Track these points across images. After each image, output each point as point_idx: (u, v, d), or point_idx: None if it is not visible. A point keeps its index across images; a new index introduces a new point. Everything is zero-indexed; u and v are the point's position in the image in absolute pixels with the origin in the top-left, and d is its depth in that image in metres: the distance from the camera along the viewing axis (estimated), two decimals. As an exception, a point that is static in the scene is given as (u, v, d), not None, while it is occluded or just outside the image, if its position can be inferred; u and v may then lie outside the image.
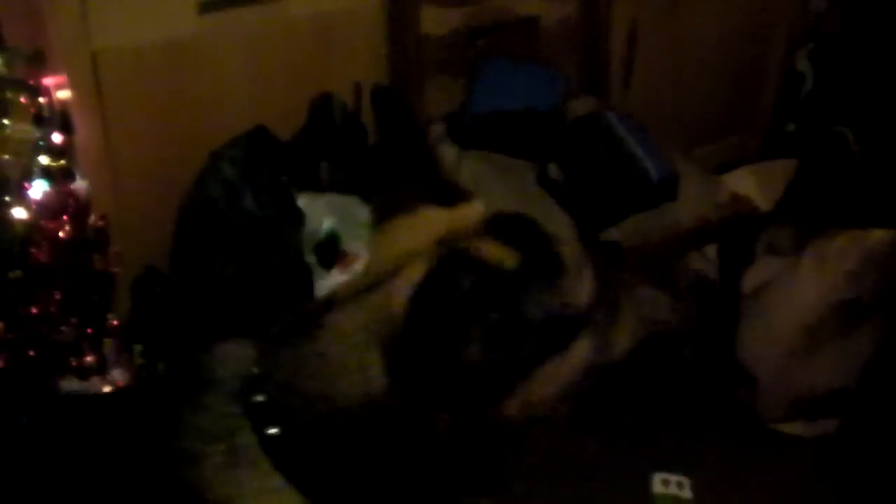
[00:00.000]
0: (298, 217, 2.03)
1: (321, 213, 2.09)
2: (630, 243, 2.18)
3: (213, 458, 1.12)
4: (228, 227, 2.05)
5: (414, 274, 1.07)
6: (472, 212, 1.17)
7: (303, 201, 2.07)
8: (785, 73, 3.14)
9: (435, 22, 2.44)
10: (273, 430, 1.11)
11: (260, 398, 1.13)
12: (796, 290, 2.42)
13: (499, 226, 1.13)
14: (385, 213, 1.19)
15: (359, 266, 1.36)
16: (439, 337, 1.03)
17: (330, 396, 1.09)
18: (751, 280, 2.43)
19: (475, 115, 2.35)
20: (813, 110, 3.07)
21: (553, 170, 2.21)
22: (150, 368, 2.35)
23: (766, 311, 2.44)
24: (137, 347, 2.36)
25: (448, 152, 2.36)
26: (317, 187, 2.21)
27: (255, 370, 1.15)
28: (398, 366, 1.06)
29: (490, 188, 2.18)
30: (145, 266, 2.35)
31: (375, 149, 1.27)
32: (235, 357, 1.19)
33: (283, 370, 1.13)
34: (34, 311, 2.09)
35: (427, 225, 1.14)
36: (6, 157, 2.08)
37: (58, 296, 2.11)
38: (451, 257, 1.07)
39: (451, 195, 1.19)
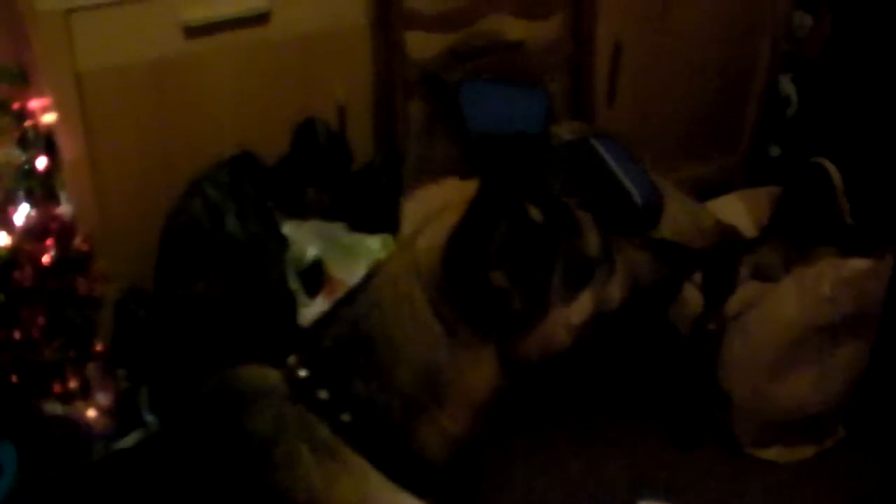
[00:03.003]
0: (282, 241, 2.03)
1: (306, 239, 2.09)
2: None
3: (303, 457, 1.15)
4: (211, 250, 2.04)
5: (450, 218, 1.15)
6: None
7: (287, 228, 2.07)
8: (769, 96, 3.15)
9: (420, 46, 2.43)
10: (346, 417, 1.16)
11: (323, 394, 1.17)
12: (776, 312, 2.43)
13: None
14: (416, 177, 1.36)
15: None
16: (474, 249, 1.12)
17: (392, 345, 1.17)
18: (733, 303, 2.44)
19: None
20: (797, 134, 3.09)
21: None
22: (133, 392, 2.35)
23: (745, 332, 2.45)
24: (121, 372, 2.36)
25: (433, 175, 2.37)
26: (302, 212, 2.21)
27: (303, 373, 1.19)
28: (437, 301, 1.15)
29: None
30: (129, 288, 2.34)
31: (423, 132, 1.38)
32: (263, 375, 1.23)
33: (339, 334, 1.20)
34: (17, 335, 2.09)
35: (455, 189, 1.24)
36: (-8, 179, 2.08)
37: (41, 320, 2.10)
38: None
39: (477, 167, 1.29)
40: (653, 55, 2.88)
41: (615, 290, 1.30)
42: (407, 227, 1.28)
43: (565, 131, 2.55)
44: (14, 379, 2.12)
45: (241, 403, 1.21)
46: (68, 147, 2.19)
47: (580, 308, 1.24)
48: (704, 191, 2.91)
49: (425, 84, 1.41)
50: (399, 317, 1.18)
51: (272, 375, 1.22)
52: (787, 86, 3.12)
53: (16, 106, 2.09)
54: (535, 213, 1.19)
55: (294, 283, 1.99)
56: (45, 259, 2.12)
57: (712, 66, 3.03)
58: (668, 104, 3.00)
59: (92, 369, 2.26)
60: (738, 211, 2.76)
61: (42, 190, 2.14)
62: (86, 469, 1.40)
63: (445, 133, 1.34)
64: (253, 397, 1.20)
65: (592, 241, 1.27)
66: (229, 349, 1.37)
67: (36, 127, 2.14)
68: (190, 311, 2.06)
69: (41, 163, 2.12)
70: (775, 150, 3.19)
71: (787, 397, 2.46)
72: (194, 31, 2.22)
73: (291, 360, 1.22)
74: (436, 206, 1.24)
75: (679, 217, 2.27)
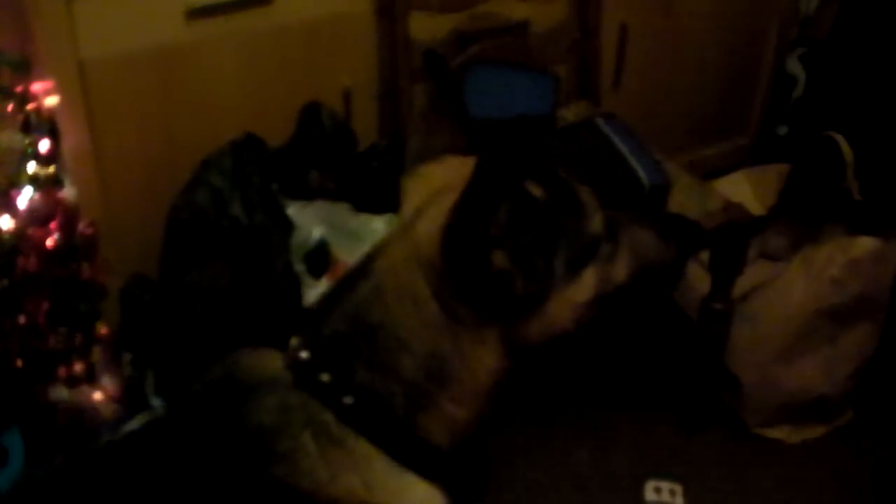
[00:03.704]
0: (287, 225, 2.02)
1: (311, 221, 2.08)
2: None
3: (307, 447, 1.14)
4: (216, 236, 2.03)
5: (450, 199, 1.12)
6: None
7: (292, 210, 2.06)
8: (776, 76, 3.13)
9: (425, 28, 2.42)
10: (348, 400, 1.15)
11: (325, 377, 1.16)
12: (783, 295, 2.43)
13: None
14: (418, 160, 1.30)
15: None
16: (473, 230, 1.10)
17: (395, 334, 1.16)
18: (741, 284, 2.43)
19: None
20: (804, 114, 3.06)
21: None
22: (139, 378, 2.35)
23: (753, 315, 2.44)
24: (127, 357, 2.36)
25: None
26: (307, 195, 2.20)
27: (304, 356, 1.18)
28: (439, 286, 1.15)
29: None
30: (135, 274, 2.34)
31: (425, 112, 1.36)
32: (264, 362, 1.22)
33: (341, 324, 1.18)
34: (21, 320, 2.09)
35: (456, 167, 1.21)
36: (-8, 163, 2.07)
37: (45, 306, 2.10)
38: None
39: (478, 146, 1.27)
40: (659, 37, 2.86)
41: (620, 269, 1.29)
42: (408, 206, 1.25)
43: (571, 114, 2.54)
44: (19, 365, 2.11)
45: (244, 393, 1.19)
46: (71, 134, 2.17)
47: (584, 287, 1.23)
48: (712, 172, 2.91)
49: (425, 62, 1.38)
50: (402, 305, 1.17)
51: (275, 361, 1.21)
52: (795, 65, 3.10)
53: (19, 90, 2.09)
54: (537, 192, 1.18)
55: (299, 266, 1.98)
56: (49, 244, 2.11)
57: (719, 48, 3.01)
58: (674, 87, 2.98)
59: (98, 355, 2.26)
60: (744, 189, 2.75)
61: (44, 174, 2.14)
62: (88, 457, 1.38)
63: (446, 112, 1.31)
64: (256, 386, 1.19)
65: (596, 218, 1.25)
66: (234, 337, 1.36)
67: (39, 111, 2.14)
68: (195, 298, 2.05)
69: (44, 146, 2.11)
70: (782, 130, 3.17)
71: (795, 380, 2.45)
72: (197, 14, 2.20)
73: (293, 342, 1.21)
74: (437, 185, 1.22)
75: (686, 199, 2.25)
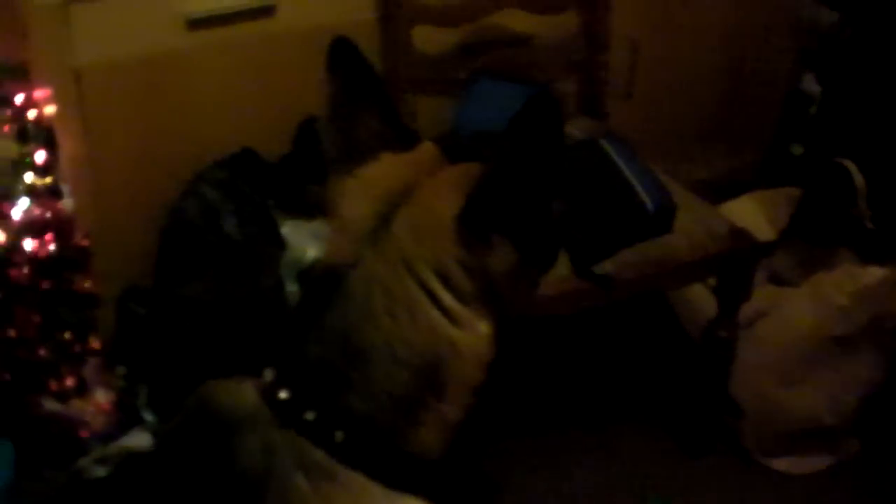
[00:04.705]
0: (279, 243, 1.98)
1: (306, 239, 2.04)
2: (623, 276, 2.11)
3: (301, 488, 1.11)
4: (207, 252, 2.00)
5: (430, 199, 1.12)
6: (430, 150, 1.23)
7: (287, 227, 2.02)
8: (791, 94, 3.07)
9: (429, 41, 2.38)
10: (339, 436, 1.11)
11: (310, 416, 1.12)
12: (789, 321, 2.38)
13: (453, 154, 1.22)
14: (343, 162, 1.22)
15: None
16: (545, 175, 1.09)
17: (391, 353, 1.11)
18: (747, 309, 2.38)
19: (464, 136, 2.29)
20: (820, 133, 3.00)
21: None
22: (131, 392, 2.32)
23: (757, 341, 2.39)
24: (120, 370, 2.33)
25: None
26: (305, 211, 2.16)
27: (283, 395, 1.13)
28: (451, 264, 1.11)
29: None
30: (130, 285, 2.31)
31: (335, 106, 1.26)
32: (242, 395, 1.17)
33: (327, 354, 1.13)
34: (12, 333, 2.06)
35: (400, 164, 1.19)
36: (-15, 175, 2.04)
37: (36, 318, 2.07)
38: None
39: (407, 138, 1.24)
40: (669, 51, 2.81)
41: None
42: (354, 210, 1.17)
43: (577, 129, 2.48)
44: (8, 377, 2.08)
45: (224, 433, 1.15)
46: (67, 142, 2.15)
47: None
48: (723, 189, 2.86)
49: (333, 51, 1.30)
50: (394, 318, 1.12)
51: (249, 394, 1.16)
52: (811, 83, 3.03)
53: (14, 99, 2.06)
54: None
55: (292, 285, 1.94)
56: (43, 255, 2.08)
57: (731, 63, 2.96)
58: (685, 101, 2.94)
59: (91, 367, 2.23)
60: (754, 213, 2.70)
61: (41, 184, 2.11)
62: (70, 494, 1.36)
63: (367, 101, 1.24)
64: (236, 425, 1.14)
65: None
66: (222, 354, 1.32)
67: (36, 121, 2.11)
68: (185, 312, 2.01)
69: (40, 156, 2.08)
70: (797, 149, 3.10)
71: (800, 408, 2.40)
72: (197, 24, 2.17)
73: (268, 375, 1.17)
74: (390, 187, 1.16)
75: (691, 222, 2.20)
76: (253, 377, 1.18)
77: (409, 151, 1.22)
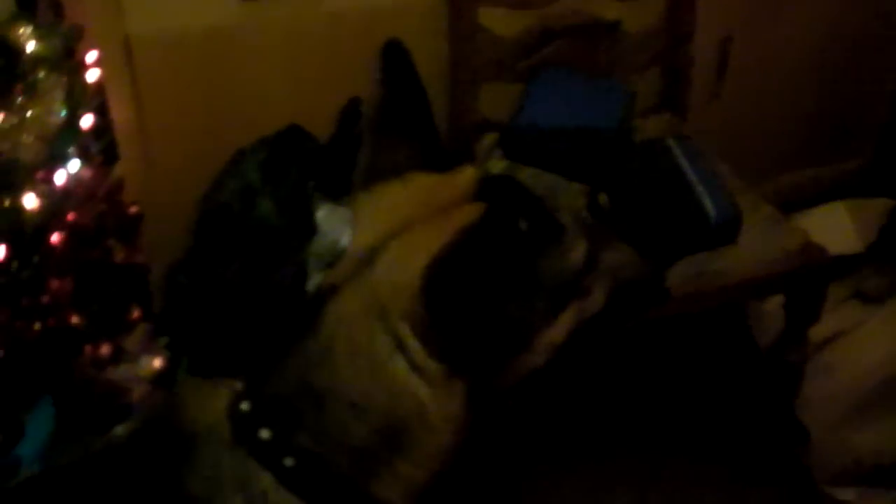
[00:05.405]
0: (310, 230, 1.90)
1: (341, 226, 1.95)
2: (681, 290, 1.96)
3: None
4: (241, 235, 1.94)
5: (418, 238, 1.03)
6: (464, 177, 1.13)
7: (322, 213, 1.94)
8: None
9: (501, 23, 2.26)
10: (289, 462, 1.03)
11: (265, 434, 1.04)
12: (865, 347, 2.22)
13: (490, 190, 1.11)
14: (371, 176, 1.15)
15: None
16: (474, 280, 1.00)
17: (347, 401, 1.03)
18: (823, 328, 2.21)
19: (527, 129, 2.18)
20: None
21: (603, 198, 2.02)
22: (173, 362, 2.30)
23: (830, 366, 2.24)
24: (162, 340, 2.31)
25: (495, 166, 2.21)
26: (348, 193, 2.08)
27: (245, 407, 1.06)
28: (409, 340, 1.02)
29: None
30: (181, 256, 2.28)
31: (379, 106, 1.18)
32: (212, 401, 1.10)
33: (283, 386, 1.05)
34: (45, 300, 2.05)
35: (419, 191, 1.11)
36: (28, 139, 2.02)
37: (69, 286, 2.05)
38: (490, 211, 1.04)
39: (444, 160, 1.15)
40: (765, 49, 2.63)
41: (597, 297, 1.15)
42: (360, 235, 1.11)
43: (652, 126, 2.34)
44: (45, 342, 2.08)
45: (182, 450, 1.08)
46: (117, 110, 2.12)
47: (561, 327, 1.10)
48: (817, 197, 2.67)
49: (383, 56, 1.21)
50: (355, 366, 1.03)
51: (218, 402, 1.09)
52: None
53: (66, 62, 2.04)
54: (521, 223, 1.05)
55: (318, 276, 1.86)
56: (87, 223, 2.06)
57: (834, 63, 2.76)
58: (778, 102, 2.76)
59: (138, 336, 2.22)
60: (843, 221, 2.53)
61: (84, 149, 2.09)
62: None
63: (403, 125, 1.16)
64: (193, 437, 1.08)
65: (578, 248, 1.11)
66: (249, 339, 1.26)
67: (85, 85, 2.09)
68: (220, 292, 1.97)
69: (87, 121, 2.06)
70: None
71: (869, 443, 2.22)
72: (251, -1, 2.10)
73: (238, 385, 1.09)
74: (397, 214, 1.08)
75: (760, 235, 2.04)
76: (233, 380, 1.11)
77: (442, 174, 1.13)
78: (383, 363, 1.02)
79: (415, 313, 1.01)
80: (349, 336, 1.03)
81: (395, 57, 1.21)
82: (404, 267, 1.02)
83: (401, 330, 1.02)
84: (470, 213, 1.06)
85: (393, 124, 1.18)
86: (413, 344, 1.02)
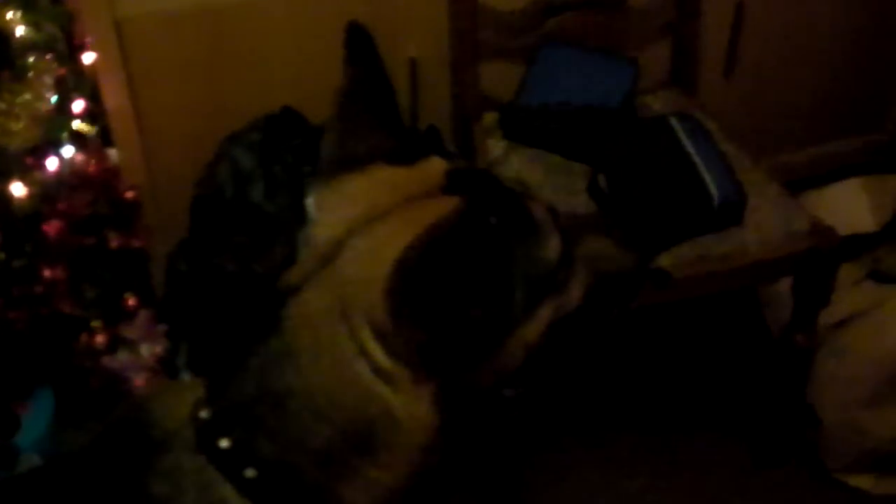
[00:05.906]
0: (301, 217, 1.86)
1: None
2: (683, 272, 1.91)
3: None
4: (233, 221, 1.91)
5: (385, 231, 0.98)
6: (433, 169, 1.08)
7: (312, 198, 1.90)
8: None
9: (502, -1, 2.20)
10: (250, 473, 0.99)
11: (224, 443, 1.00)
12: (880, 331, 2.14)
13: (460, 182, 1.05)
14: (335, 167, 1.09)
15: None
16: (442, 280, 0.94)
17: (310, 403, 0.98)
18: (837, 309, 2.14)
19: (529, 108, 2.12)
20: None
21: (602, 180, 1.96)
22: (173, 350, 2.27)
23: (843, 349, 2.17)
24: (161, 327, 2.28)
25: (495, 146, 2.16)
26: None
27: (205, 414, 1.02)
28: (372, 341, 0.97)
29: (535, 192, 1.95)
30: (181, 241, 2.25)
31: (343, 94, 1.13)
32: (178, 405, 1.06)
33: (244, 389, 1.01)
34: (38, 290, 2.03)
35: (386, 182, 1.05)
36: (18, 125, 2.00)
37: (63, 274, 2.03)
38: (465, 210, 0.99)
39: (411, 150, 1.09)
40: (782, 18, 2.54)
41: (574, 292, 1.10)
42: (324, 228, 1.05)
43: (659, 102, 2.27)
44: (39, 330, 2.06)
45: (145, 453, 1.04)
46: (111, 94, 2.09)
47: (537, 323, 1.05)
48: (837, 171, 2.59)
49: (347, 38, 1.15)
50: (318, 366, 0.98)
51: (182, 409, 1.05)
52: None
53: (57, 45, 2.01)
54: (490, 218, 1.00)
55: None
56: (78, 210, 2.04)
57: (854, 33, 2.66)
58: (796, 75, 2.67)
59: (140, 323, 2.20)
60: (858, 200, 2.44)
61: (89, 132, 2.07)
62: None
63: (369, 109, 1.10)
64: (159, 442, 1.04)
65: (552, 241, 1.05)
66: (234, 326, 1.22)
67: (78, 69, 2.06)
68: (211, 282, 1.94)
69: (78, 106, 2.03)
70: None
71: (883, 429, 2.16)
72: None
73: (200, 390, 1.05)
74: (361, 206, 1.02)
75: (767, 216, 1.97)
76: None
77: (409, 166, 1.07)
78: (348, 363, 0.97)
79: (377, 317, 0.96)
80: (313, 333, 0.98)
81: (358, 40, 1.15)
82: (371, 262, 0.97)
83: (362, 334, 0.97)
84: (440, 206, 1.01)
85: (359, 110, 1.12)
86: (374, 348, 0.97)
